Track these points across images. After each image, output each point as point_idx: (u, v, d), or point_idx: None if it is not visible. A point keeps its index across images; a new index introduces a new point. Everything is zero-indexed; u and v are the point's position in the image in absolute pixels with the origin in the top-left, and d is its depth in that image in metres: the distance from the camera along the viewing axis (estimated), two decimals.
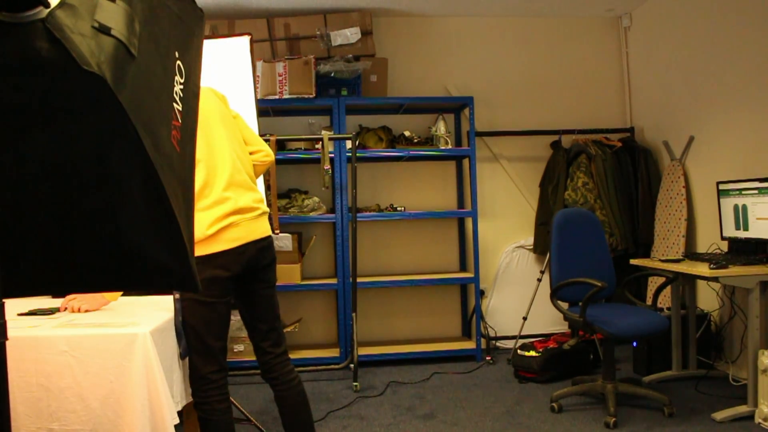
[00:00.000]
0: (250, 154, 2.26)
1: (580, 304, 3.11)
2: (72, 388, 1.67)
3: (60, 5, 0.93)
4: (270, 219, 2.25)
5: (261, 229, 2.13)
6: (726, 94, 3.81)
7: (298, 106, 4.30)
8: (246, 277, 2.13)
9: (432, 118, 4.56)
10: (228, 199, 2.03)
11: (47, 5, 0.92)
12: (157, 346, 1.74)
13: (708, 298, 3.87)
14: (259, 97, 3.92)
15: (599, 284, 3.04)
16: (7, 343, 1.07)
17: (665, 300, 4.01)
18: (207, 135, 2.06)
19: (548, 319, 4.62)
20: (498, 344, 4.66)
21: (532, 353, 3.82)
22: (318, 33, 4.30)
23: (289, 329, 4.33)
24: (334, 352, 4.30)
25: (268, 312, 2.25)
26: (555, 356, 3.81)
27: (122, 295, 2.32)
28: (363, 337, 4.57)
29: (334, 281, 4.33)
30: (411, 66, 4.77)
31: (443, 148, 4.42)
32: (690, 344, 3.71)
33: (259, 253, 2.14)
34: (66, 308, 2.10)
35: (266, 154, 2.33)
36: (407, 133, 4.51)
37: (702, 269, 3.13)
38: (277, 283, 4.21)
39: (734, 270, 3.04)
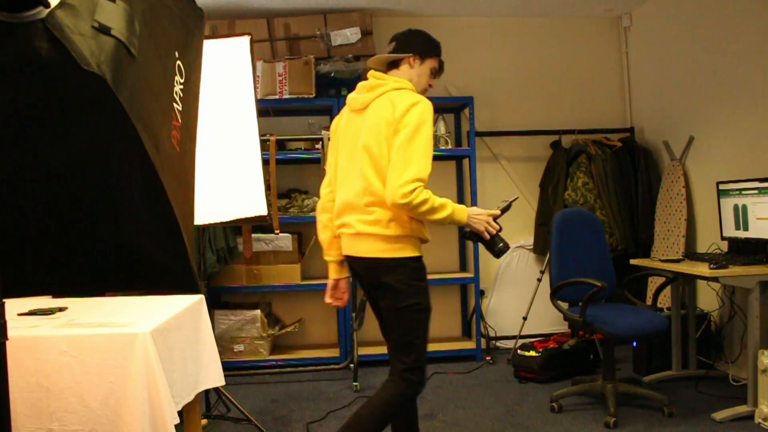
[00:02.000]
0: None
1: (580, 304, 3.11)
2: (72, 388, 1.67)
3: (60, 5, 0.93)
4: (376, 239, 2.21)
5: (356, 247, 2.23)
6: (726, 94, 3.81)
7: (298, 106, 4.30)
8: (368, 287, 2.33)
9: None
10: (338, 215, 2.27)
11: (47, 5, 0.92)
12: (157, 346, 1.74)
13: (708, 298, 3.87)
14: (259, 97, 3.92)
15: (599, 284, 3.04)
16: (7, 343, 1.07)
17: (665, 300, 4.01)
18: (352, 149, 2.24)
19: (548, 319, 4.62)
20: (498, 344, 4.66)
21: (532, 353, 3.82)
22: (318, 33, 4.30)
23: (289, 329, 4.34)
24: (334, 352, 4.30)
25: (390, 330, 2.24)
26: (555, 356, 3.81)
27: (122, 295, 2.32)
28: (363, 337, 4.57)
29: None
30: None
31: (443, 148, 4.42)
32: (690, 344, 3.71)
33: (360, 270, 2.28)
34: None
35: (386, 192, 2.11)
36: None
37: (702, 269, 3.13)
38: (277, 283, 4.25)
39: (734, 270, 3.04)
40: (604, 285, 3.05)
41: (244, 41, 3.06)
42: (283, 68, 4.21)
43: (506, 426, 3.05)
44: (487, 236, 2.20)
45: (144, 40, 1.05)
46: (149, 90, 1.08)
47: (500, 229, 2.23)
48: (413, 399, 2.29)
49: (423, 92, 2.30)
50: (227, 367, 2.53)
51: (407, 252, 2.17)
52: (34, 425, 1.67)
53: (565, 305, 3.35)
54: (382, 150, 2.13)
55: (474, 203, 4.38)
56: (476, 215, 2.19)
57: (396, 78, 2.26)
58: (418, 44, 2.30)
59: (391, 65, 2.31)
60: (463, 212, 2.15)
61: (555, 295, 3.31)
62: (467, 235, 2.26)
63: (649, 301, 4.12)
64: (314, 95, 4.22)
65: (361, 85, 2.31)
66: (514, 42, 4.89)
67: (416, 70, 2.30)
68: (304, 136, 4.29)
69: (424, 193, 2.06)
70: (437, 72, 2.38)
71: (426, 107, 2.12)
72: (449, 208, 2.11)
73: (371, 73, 2.31)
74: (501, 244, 2.23)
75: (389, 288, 2.17)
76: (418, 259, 2.20)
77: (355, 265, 2.29)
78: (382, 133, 2.14)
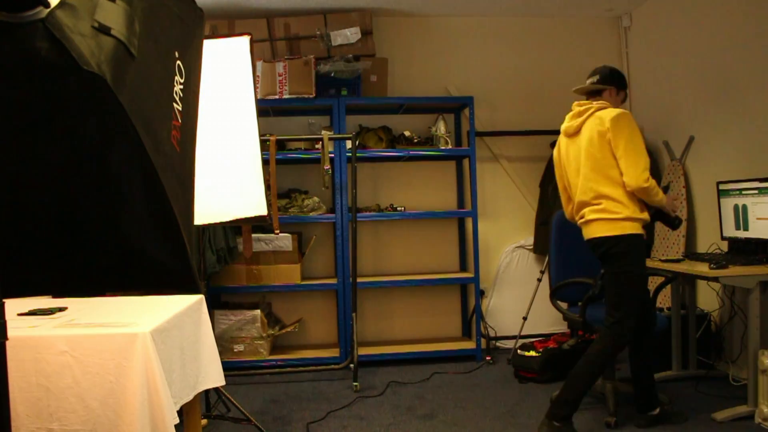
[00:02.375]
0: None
1: (580, 304, 3.10)
2: (72, 388, 1.67)
3: (60, 5, 0.93)
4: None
5: (590, 231, 2.88)
6: (726, 94, 3.81)
7: (298, 106, 4.30)
8: (602, 260, 2.92)
9: (432, 118, 4.56)
10: (576, 212, 2.96)
11: (47, 5, 0.92)
12: (157, 346, 1.74)
13: (708, 298, 3.87)
14: (259, 97, 3.92)
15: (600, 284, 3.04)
16: (7, 343, 1.07)
17: (665, 300, 4.01)
18: (577, 164, 2.92)
19: (548, 319, 4.62)
20: (498, 344, 4.66)
21: (532, 353, 3.82)
22: (318, 33, 4.30)
23: (289, 329, 4.34)
24: (334, 352, 4.30)
25: (607, 289, 2.87)
26: (555, 356, 3.80)
27: (122, 295, 2.32)
28: (363, 337, 4.57)
29: (334, 281, 4.33)
30: (411, 66, 4.77)
31: (443, 148, 4.42)
32: (690, 344, 3.71)
33: (592, 249, 2.91)
34: None
35: (628, 180, 2.75)
36: (407, 133, 4.51)
37: (702, 269, 3.13)
38: (277, 283, 4.25)
39: (734, 270, 3.04)
40: (604, 284, 3.05)
41: (244, 41, 3.06)
42: (283, 68, 4.21)
43: (506, 426, 3.05)
44: (673, 215, 2.91)
45: (144, 40, 1.05)
46: (149, 90, 1.08)
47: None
48: (620, 348, 2.83)
49: None
50: (227, 367, 2.53)
51: (628, 230, 2.76)
52: (34, 425, 1.67)
53: (564, 305, 3.35)
54: (603, 154, 2.79)
55: (474, 203, 4.39)
56: (669, 200, 2.87)
57: (598, 101, 2.90)
58: (617, 80, 2.97)
59: (593, 93, 2.98)
60: (666, 198, 2.83)
61: (555, 295, 3.31)
62: (653, 214, 2.94)
63: None
64: (314, 95, 4.22)
65: (569, 115, 3.01)
66: (514, 42, 4.89)
67: (612, 99, 2.94)
68: (304, 136, 4.30)
69: (652, 179, 2.74)
70: (622, 102, 3.02)
71: (629, 115, 2.80)
72: (662, 193, 2.79)
73: (576, 103, 2.98)
74: (678, 221, 2.96)
75: (613, 256, 2.80)
76: (638, 236, 2.78)
77: (591, 245, 2.91)
78: (598, 142, 2.80)
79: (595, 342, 2.84)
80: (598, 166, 2.81)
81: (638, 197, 2.78)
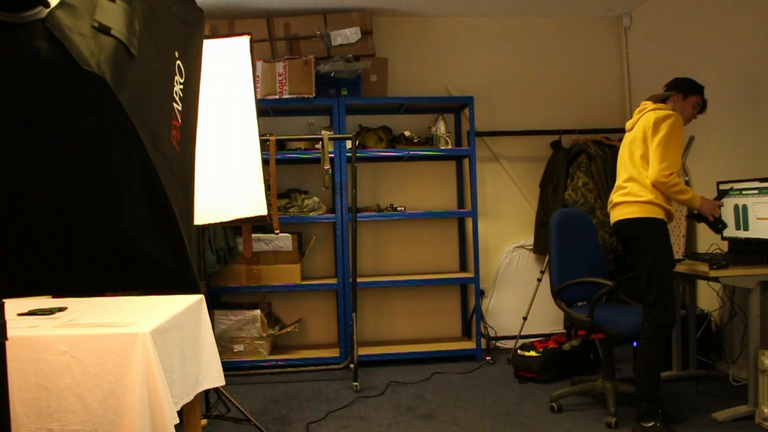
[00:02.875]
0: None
1: (579, 304, 3.11)
2: (72, 388, 1.67)
3: (60, 5, 0.93)
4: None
5: (616, 214, 3.06)
6: (726, 94, 3.80)
7: (298, 106, 4.30)
8: (624, 243, 3.08)
9: (432, 118, 4.56)
10: (612, 194, 3.14)
11: (47, 5, 0.92)
12: (157, 346, 1.74)
13: (708, 298, 3.87)
14: (259, 97, 3.92)
15: (610, 284, 3.06)
16: (7, 343, 1.07)
17: None
18: (623, 153, 3.11)
19: (548, 319, 4.62)
20: (498, 344, 4.66)
21: (532, 353, 3.82)
22: (318, 33, 4.30)
23: (289, 329, 4.34)
24: (334, 352, 4.30)
25: (638, 273, 2.94)
26: (555, 356, 3.81)
27: (122, 295, 2.32)
28: (363, 337, 4.57)
29: (334, 281, 4.33)
30: (411, 66, 4.77)
31: (443, 148, 4.42)
32: (690, 344, 3.71)
33: (616, 233, 3.09)
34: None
35: (649, 172, 2.92)
36: (407, 133, 4.51)
37: (702, 269, 3.14)
38: (277, 283, 4.25)
39: (734, 270, 3.04)
40: (614, 284, 3.07)
41: (244, 41, 3.06)
42: (283, 68, 4.21)
43: (506, 426, 3.05)
44: (712, 219, 3.04)
45: (144, 40, 1.05)
46: (149, 90, 1.08)
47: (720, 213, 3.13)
48: (662, 332, 2.87)
49: (687, 121, 3.08)
50: (227, 367, 2.53)
51: (648, 213, 2.90)
52: (34, 425, 1.67)
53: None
54: (643, 147, 2.96)
55: (474, 203, 4.39)
56: (706, 203, 3.01)
57: (657, 104, 3.05)
58: (681, 86, 3.11)
59: (663, 100, 3.10)
60: (698, 200, 2.97)
61: (558, 295, 3.31)
62: (695, 216, 3.12)
63: None
64: (314, 95, 4.22)
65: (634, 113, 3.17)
66: (514, 42, 4.89)
67: (679, 105, 3.08)
68: (304, 136, 4.30)
69: (675, 177, 2.88)
70: (700, 107, 3.16)
71: (677, 119, 2.91)
72: (690, 194, 2.94)
73: (642, 104, 3.12)
74: (721, 225, 3.08)
75: (637, 239, 2.94)
76: (658, 221, 2.91)
77: (615, 229, 3.08)
78: (641, 137, 2.97)
79: (641, 332, 2.90)
80: (636, 155, 2.99)
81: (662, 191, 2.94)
